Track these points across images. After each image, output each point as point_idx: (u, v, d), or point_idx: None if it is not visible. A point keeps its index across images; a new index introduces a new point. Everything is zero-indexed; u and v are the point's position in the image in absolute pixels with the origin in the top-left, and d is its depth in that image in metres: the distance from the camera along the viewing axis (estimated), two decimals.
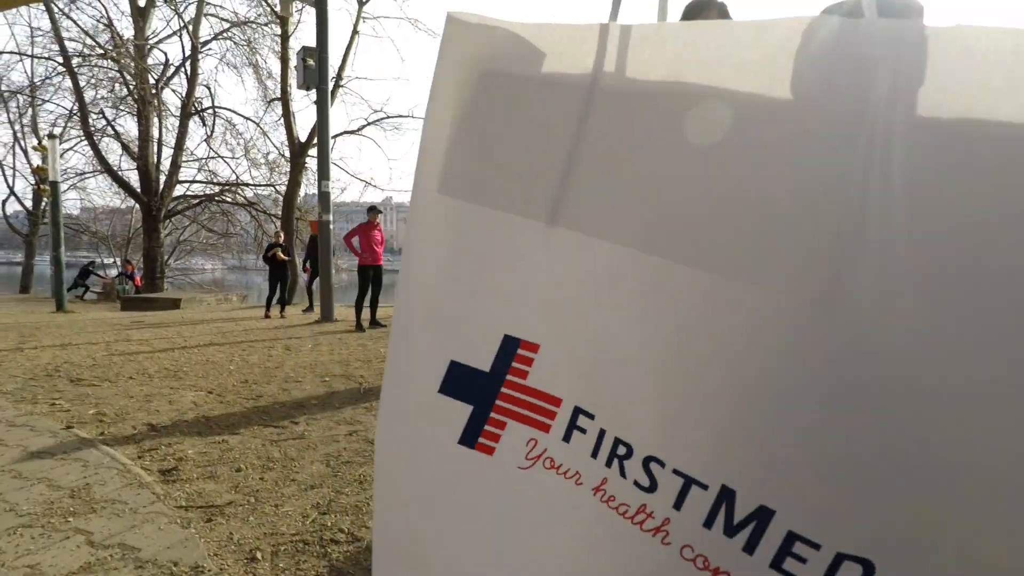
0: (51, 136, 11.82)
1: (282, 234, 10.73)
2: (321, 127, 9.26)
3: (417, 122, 16.76)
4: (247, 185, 18.97)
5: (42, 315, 11.37)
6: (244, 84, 30.64)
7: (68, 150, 19.42)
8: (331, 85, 12.92)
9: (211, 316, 10.53)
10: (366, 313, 8.26)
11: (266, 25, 17.27)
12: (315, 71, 8.99)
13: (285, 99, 14.67)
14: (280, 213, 16.96)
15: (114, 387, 4.01)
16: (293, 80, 15.07)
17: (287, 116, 14.82)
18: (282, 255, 10.52)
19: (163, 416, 3.27)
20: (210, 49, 18.56)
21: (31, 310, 12.80)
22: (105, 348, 6.08)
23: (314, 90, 9.36)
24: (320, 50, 9.08)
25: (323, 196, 9.24)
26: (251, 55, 17.94)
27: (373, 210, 8.21)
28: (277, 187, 19.24)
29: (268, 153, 18.76)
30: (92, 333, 7.63)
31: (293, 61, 14.60)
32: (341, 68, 14.71)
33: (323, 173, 9.24)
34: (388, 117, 16.56)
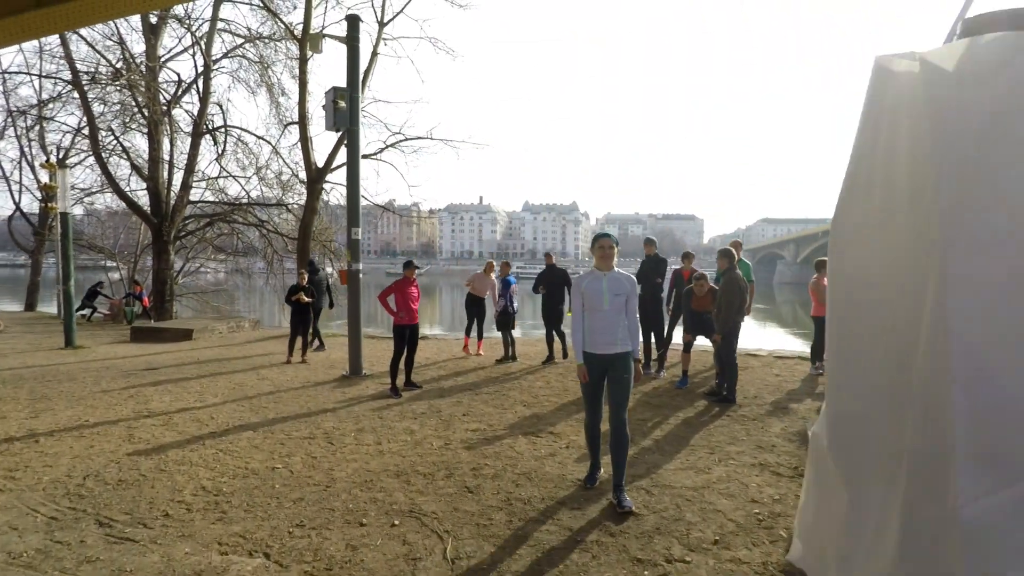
0: (61, 164, 11.30)
1: (305, 274, 10.19)
2: (351, 171, 8.73)
3: (437, 144, 16.26)
4: (258, 204, 18.42)
5: (51, 352, 10.85)
6: (256, 102, 30.05)
7: (76, 164, 18.93)
8: None
9: (228, 356, 9.99)
10: (401, 377, 7.72)
11: (280, 41, 16.77)
12: (346, 113, 8.47)
13: (303, 123, 14.15)
14: (295, 236, 16.46)
15: (152, 545, 3.49)
16: (312, 104, 14.62)
17: (304, 141, 14.30)
18: (305, 298, 10.01)
19: None
20: (222, 66, 18.08)
21: (38, 343, 12.27)
22: (127, 436, 5.54)
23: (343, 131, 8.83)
24: (351, 89, 8.56)
25: (353, 244, 8.72)
26: (264, 72, 17.45)
27: (410, 265, 7.68)
28: (290, 207, 18.73)
29: (280, 173, 18.24)
30: (108, 396, 7.09)
31: (312, 87, 14.15)
32: (360, 90, 14.17)
33: (353, 219, 8.71)
34: (407, 139, 16.04)
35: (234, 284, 24.24)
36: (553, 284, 9.44)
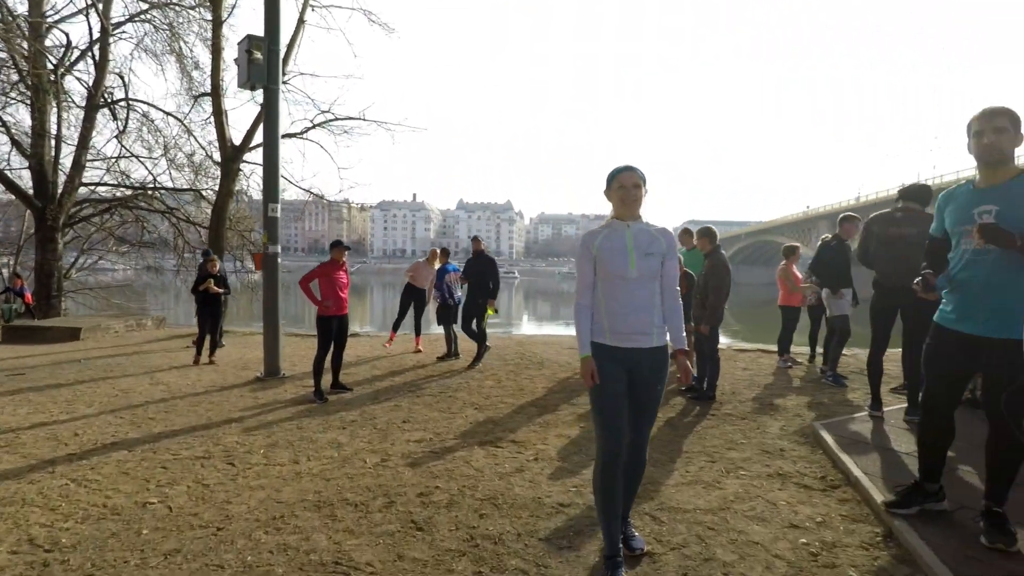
0: None
1: (216, 262, 8.72)
2: (269, 137, 7.40)
3: (370, 126, 14.91)
4: (166, 189, 16.41)
5: None
6: (165, 75, 27.15)
7: None
8: None
9: (120, 358, 8.37)
10: (328, 378, 6.52)
11: (193, 8, 14.94)
12: (262, 67, 7.15)
13: (216, 94, 12.49)
14: (208, 223, 14.67)
15: None
16: (226, 74, 12.97)
17: (218, 115, 12.63)
18: (216, 288, 8.56)
19: None
20: (124, 31, 15.95)
21: None
22: None
23: (260, 90, 7.50)
24: (270, 41, 7.24)
25: (270, 223, 7.39)
26: (174, 41, 15.50)
27: (339, 246, 6.49)
28: (203, 192, 16.81)
29: (192, 154, 16.32)
30: None
31: (228, 51, 12.53)
32: (284, 61, 12.68)
33: (271, 194, 7.38)
34: (337, 119, 14.61)
35: (144, 282, 21.87)
36: (476, 273, 8.24)
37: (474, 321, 8.09)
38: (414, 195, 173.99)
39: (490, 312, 8.11)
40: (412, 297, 9.32)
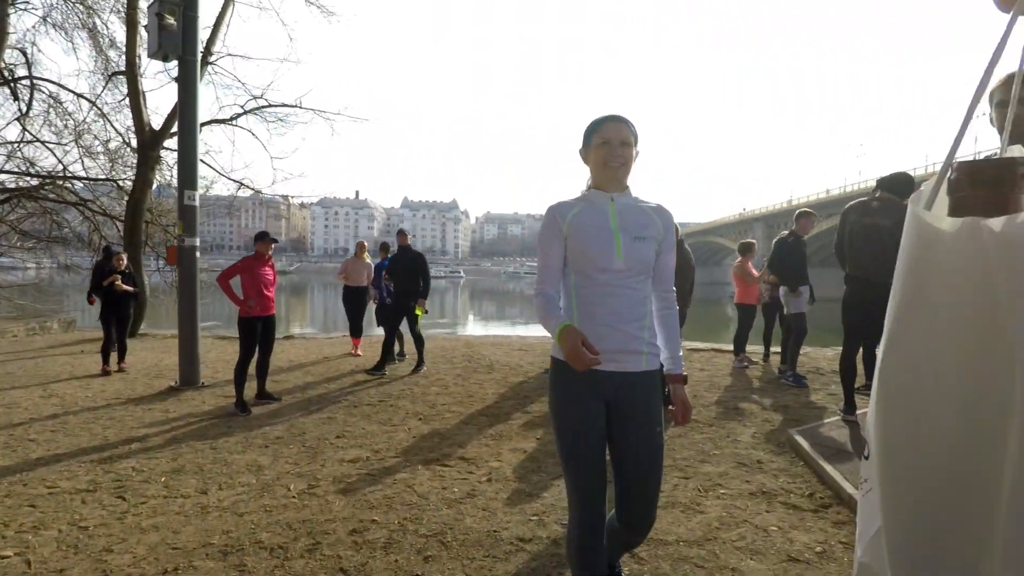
0: None
1: (124, 257, 7.76)
2: (185, 114, 6.57)
3: (307, 114, 14.04)
4: (77, 178, 14.94)
5: None
6: (77, 53, 24.96)
7: None
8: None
9: (13, 363, 7.24)
10: (253, 387, 5.80)
11: None
12: (176, 35, 6.31)
13: (132, 73, 11.35)
14: (123, 217, 13.38)
15: None
16: (145, 50, 11.81)
17: (134, 95, 11.50)
18: (123, 285, 7.61)
19: None
20: (28, 3, 14.38)
21: None
22: None
23: (175, 62, 6.65)
24: (186, 6, 6.41)
25: (187, 212, 6.55)
26: (88, 16, 14.09)
27: (264, 238, 5.77)
28: (120, 183, 15.40)
29: (108, 140, 14.91)
30: None
31: (144, 21, 11.38)
32: (211, 40, 11.68)
33: (187, 179, 6.55)
34: (271, 106, 13.64)
35: (62, 282, 20.01)
36: (403, 271, 7.35)
37: (408, 325, 7.36)
38: (357, 192, 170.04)
39: (419, 313, 7.37)
40: (354, 298, 8.64)
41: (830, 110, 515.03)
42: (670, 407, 1.89)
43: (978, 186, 1.18)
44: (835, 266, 5.45)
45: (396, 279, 7.42)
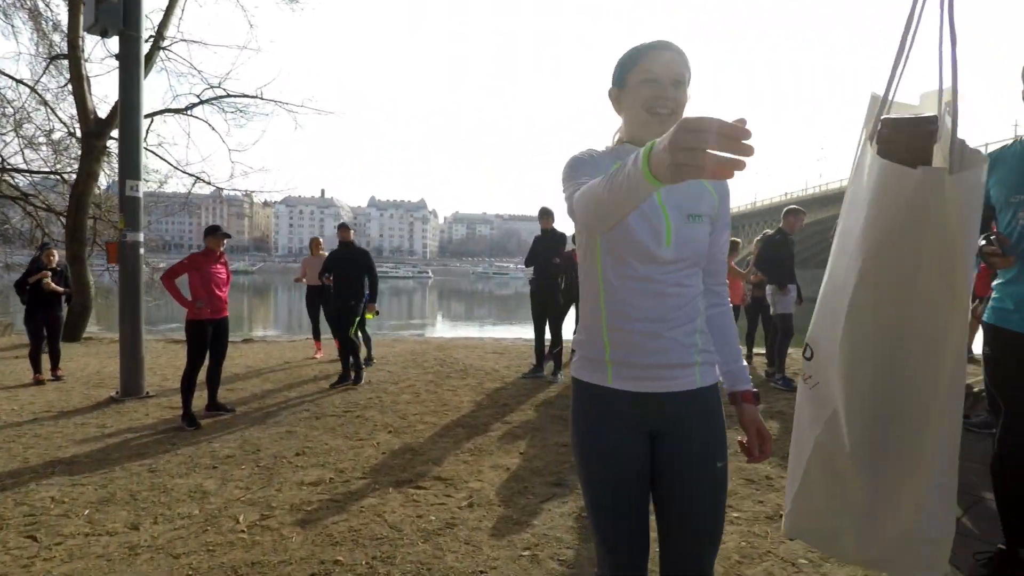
0: None
1: (55, 253, 7.03)
2: (127, 96, 5.93)
3: (269, 105, 13.32)
4: (16, 171, 13.91)
5: None
6: (16, 37, 23.52)
7: None
8: (147, 42, 9.27)
9: None
10: (203, 397, 5.23)
11: None
12: (117, 6, 5.68)
13: (75, 55, 10.50)
14: (66, 213, 12.45)
15: None
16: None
17: (77, 80, 10.64)
18: (53, 285, 6.90)
19: None
20: None
21: None
22: None
23: (115, 38, 6.01)
24: None
25: (129, 203, 5.91)
26: None
27: (215, 232, 5.21)
28: (65, 176, 14.41)
29: (51, 130, 13.92)
30: None
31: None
32: (164, 23, 10.91)
33: (129, 168, 5.91)
34: (230, 96, 12.91)
35: (4, 282, 18.70)
36: (341, 272, 6.60)
37: (351, 328, 6.48)
38: (323, 191, 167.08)
39: (369, 317, 6.65)
40: (316, 299, 8.08)
41: (805, 102, 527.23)
42: (739, 438, 1.46)
43: (899, 138, 1.47)
44: (821, 267, 5.20)
45: (336, 280, 6.64)
